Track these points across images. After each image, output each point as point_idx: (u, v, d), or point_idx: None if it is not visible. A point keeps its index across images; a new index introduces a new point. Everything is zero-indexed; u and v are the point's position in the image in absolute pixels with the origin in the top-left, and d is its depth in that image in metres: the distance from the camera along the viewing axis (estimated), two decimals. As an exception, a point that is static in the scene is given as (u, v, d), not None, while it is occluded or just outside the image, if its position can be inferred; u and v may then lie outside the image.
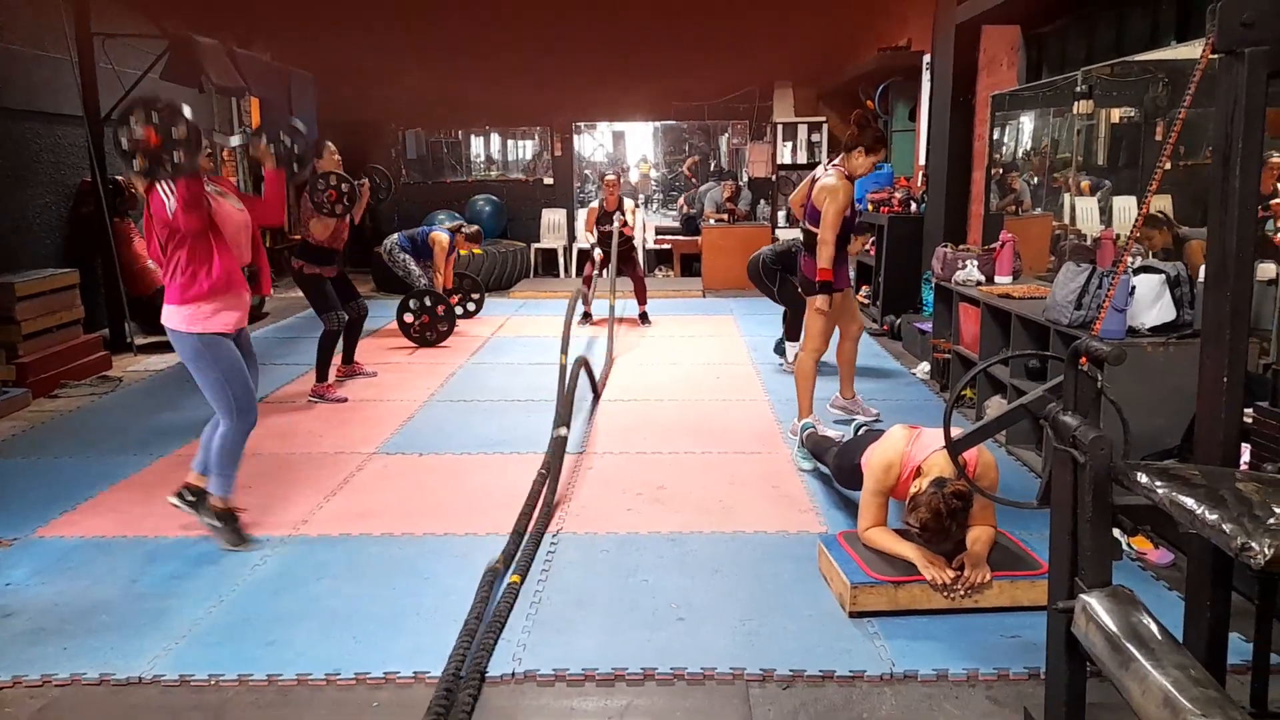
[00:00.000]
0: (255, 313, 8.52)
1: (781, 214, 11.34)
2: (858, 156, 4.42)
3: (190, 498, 3.52)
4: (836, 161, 4.56)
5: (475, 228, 8.14)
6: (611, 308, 7.38)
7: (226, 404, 3.36)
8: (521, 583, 3.13)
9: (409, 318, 7.24)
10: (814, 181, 4.63)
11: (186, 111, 3.08)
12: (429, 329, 7.27)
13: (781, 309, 6.52)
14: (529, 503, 3.70)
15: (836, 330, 5.01)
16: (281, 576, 3.24)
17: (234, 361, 3.37)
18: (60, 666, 2.67)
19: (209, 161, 3.42)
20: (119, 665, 2.67)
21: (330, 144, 5.66)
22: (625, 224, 7.99)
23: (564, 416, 4.46)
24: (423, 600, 3.05)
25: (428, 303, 7.27)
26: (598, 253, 8.05)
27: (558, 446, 4.19)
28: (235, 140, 3.40)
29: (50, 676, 2.63)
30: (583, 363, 5.17)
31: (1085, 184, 5.30)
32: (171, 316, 3.31)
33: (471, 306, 8.51)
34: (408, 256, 7.57)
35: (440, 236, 7.66)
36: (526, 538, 3.45)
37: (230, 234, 3.39)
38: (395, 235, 7.77)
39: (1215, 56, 2.00)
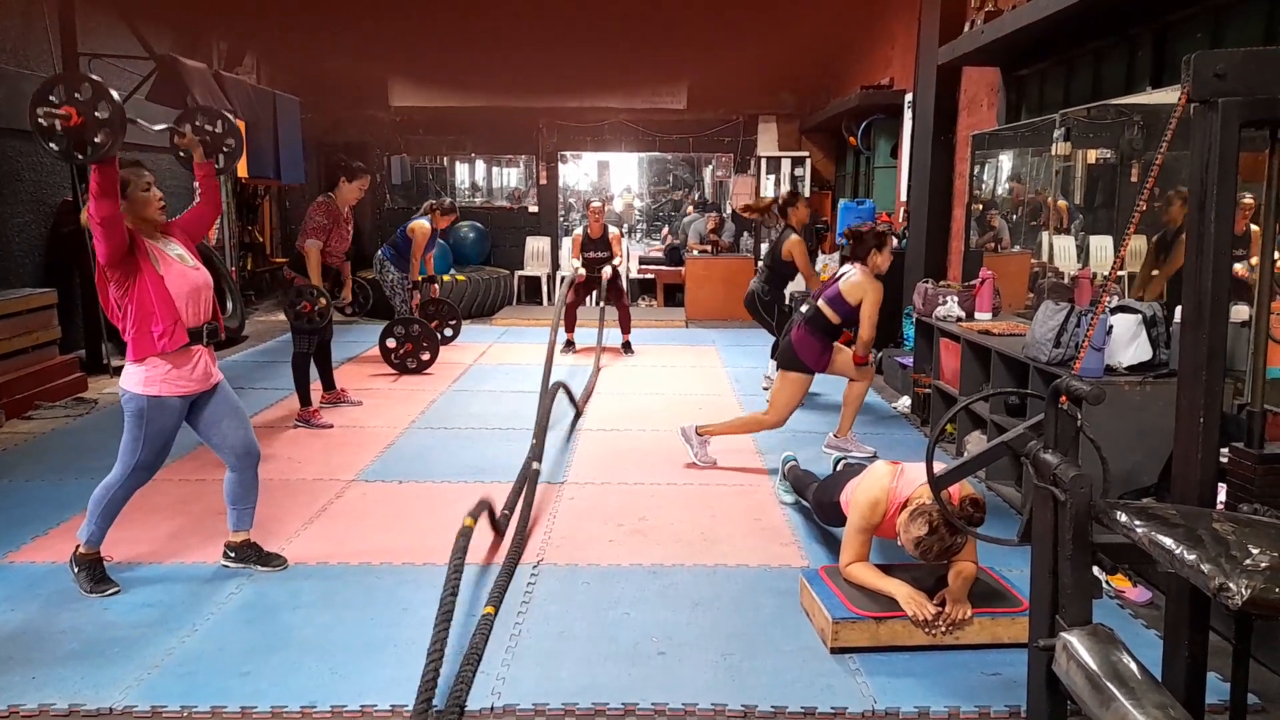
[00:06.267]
0: (233, 337, 8.44)
1: (765, 246, 11.41)
2: (879, 256, 4.81)
3: (231, 554, 3.51)
4: (855, 268, 4.80)
5: (449, 200, 7.90)
6: (599, 341, 7.37)
7: (128, 461, 3.22)
8: (495, 614, 3.09)
9: (392, 343, 7.17)
10: (835, 278, 4.90)
11: (114, 94, 2.89)
12: (411, 357, 7.20)
13: (773, 339, 6.55)
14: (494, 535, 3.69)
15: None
16: (257, 605, 3.20)
17: (162, 433, 3.22)
18: (28, 696, 2.61)
19: (162, 213, 3.22)
20: (89, 695, 2.61)
21: (364, 169, 5.63)
22: (614, 264, 7.99)
23: (538, 449, 4.47)
24: (401, 631, 3.02)
25: (414, 330, 7.21)
26: (580, 272, 8.02)
27: (530, 480, 4.20)
28: (159, 127, 3.26)
29: (17, 707, 2.57)
30: (560, 386, 5.17)
31: (1063, 204, 5.40)
32: (129, 378, 3.19)
33: (449, 332, 8.36)
34: (394, 271, 7.36)
35: (420, 224, 7.40)
36: (499, 569, 3.44)
37: (186, 293, 3.21)
38: (380, 251, 7.70)
39: (1191, 105, 2.05)
